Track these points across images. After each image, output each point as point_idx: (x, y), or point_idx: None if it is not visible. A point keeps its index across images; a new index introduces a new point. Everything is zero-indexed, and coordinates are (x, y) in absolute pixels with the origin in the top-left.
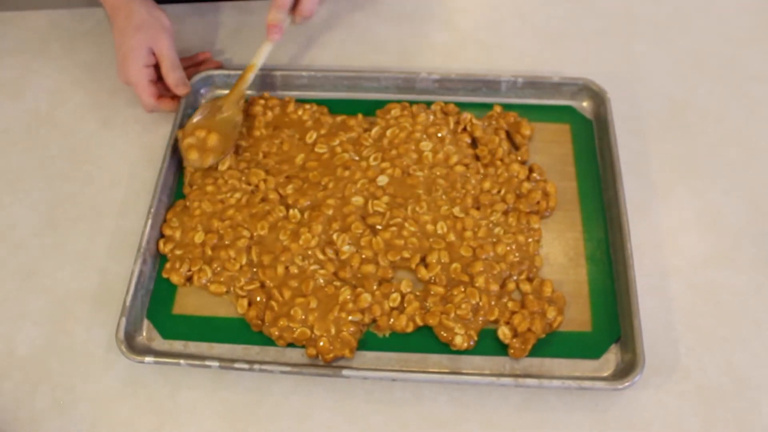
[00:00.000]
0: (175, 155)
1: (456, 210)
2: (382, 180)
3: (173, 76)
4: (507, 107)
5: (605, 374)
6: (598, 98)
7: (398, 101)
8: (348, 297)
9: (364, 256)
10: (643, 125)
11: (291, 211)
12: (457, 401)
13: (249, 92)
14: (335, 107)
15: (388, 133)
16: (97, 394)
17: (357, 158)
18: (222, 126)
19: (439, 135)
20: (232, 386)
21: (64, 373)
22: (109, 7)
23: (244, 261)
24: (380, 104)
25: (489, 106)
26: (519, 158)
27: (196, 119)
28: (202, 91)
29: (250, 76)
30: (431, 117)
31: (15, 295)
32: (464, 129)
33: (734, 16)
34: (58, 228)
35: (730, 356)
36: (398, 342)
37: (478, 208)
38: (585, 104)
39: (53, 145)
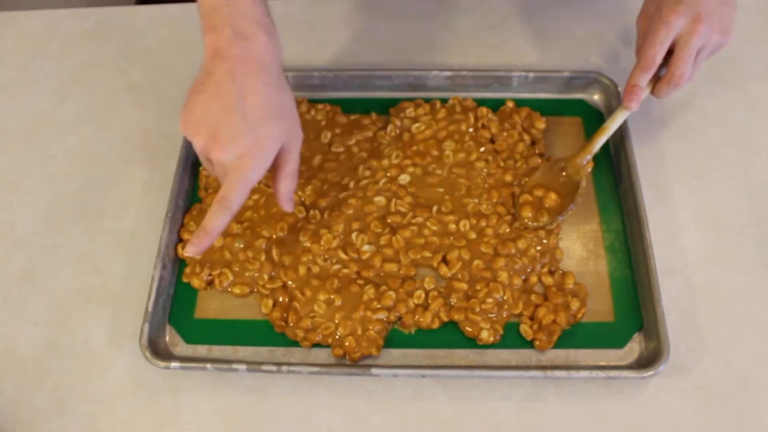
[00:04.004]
0: (190, 159)
1: (483, 207)
2: (404, 179)
3: (290, 185)
4: (519, 102)
5: (630, 363)
6: (609, 91)
7: (411, 99)
8: (372, 295)
9: (385, 255)
10: (642, 125)
11: (311, 212)
12: (457, 399)
13: None
14: (348, 106)
15: (414, 128)
16: (98, 394)
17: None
18: (562, 187)
19: (461, 131)
20: (232, 387)
21: (64, 373)
22: (221, 40)
23: (263, 258)
24: (393, 102)
25: (501, 102)
26: (537, 152)
27: (536, 176)
28: None
29: (601, 140)
30: (453, 114)
31: (15, 295)
32: (483, 125)
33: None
34: (58, 228)
35: (730, 356)
36: (424, 338)
37: (501, 203)
38: (596, 97)
39: (53, 145)
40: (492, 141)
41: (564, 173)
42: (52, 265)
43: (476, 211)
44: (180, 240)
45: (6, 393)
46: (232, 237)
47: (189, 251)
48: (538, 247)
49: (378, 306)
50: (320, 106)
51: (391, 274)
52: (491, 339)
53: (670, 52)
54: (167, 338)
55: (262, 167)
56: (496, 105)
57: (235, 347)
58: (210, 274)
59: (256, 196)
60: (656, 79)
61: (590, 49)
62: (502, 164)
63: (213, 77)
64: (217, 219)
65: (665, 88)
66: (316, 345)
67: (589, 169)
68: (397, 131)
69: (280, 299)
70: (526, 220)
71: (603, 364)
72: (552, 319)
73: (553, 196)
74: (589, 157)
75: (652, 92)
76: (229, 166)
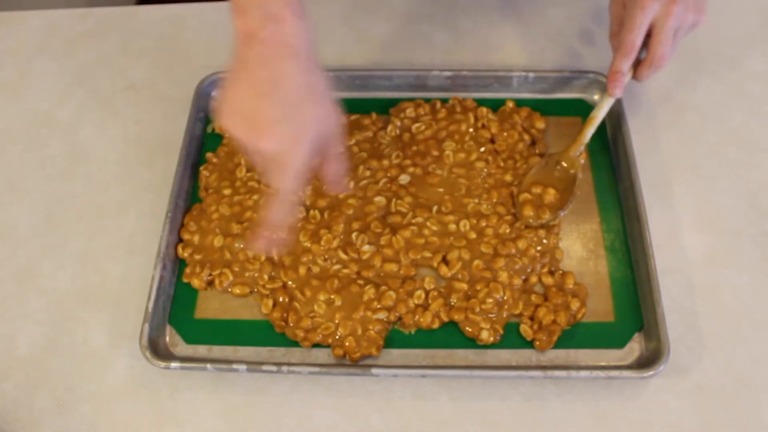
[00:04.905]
0: (190, 159)
1: (484, 207)
2: (404, 179)
3: (338, 169)
4: (519, 102)
5: (630, 363)
6: None
7: (411, 99)
8: (372, 296)
9: (385, 255)
10: (642, 125)
11: (311, 212)
12: (457, 400)
13: None
14: (348, 106)
15: (414, 128)
16: (98, 394)
17: (371, 169)
18: (559, 181)
19: (461, 131)
20: (232, 386)
21: (64, 373)
22: (248, 23)
23: (263, 258)
24: (393, 102)
25: (501, 102)
26: (537, 152)
27: (532, 173)
28: (214, 93)
29: (590, 130)
30: (453, 114)
31: (15, 295)
32: (483, 125)
33: (734, 16)
34: (58, 228)
35: (730, 356)
36: (424, 339)
37: (501, 203)
38: (596, 97)
39: (53, 145)
40: (492, 141)
41: (559, 167)
42: (52, 265)
43: (476, 211)
44: (180, 240)
45: (6, 393)
46: (232, 237)
47: (257, 248)
48: (538, 247)
49: (378, 306)
50: None
51: (391, 274)
52: (491, 339)
53: (647, 36)
54: (167, 338)
55: (305, 154)
56: (496, 105)
57: (235, 347)
58: (210, 274)
59: (256, 196)
60: (636, 64)
61: (590, 49)
62: (502, 164)
63: (244, 64)
64: (279, 212)
65: (647, 71)
66: (316, 345)
67: (583, 161)
68: (397, 131)
69: (280, 299)
70: (528, 219)
71: (603, 364)
72: (552, 319)
73: (551, 191)
74: (581, 148)
75: (633, 77)
76: (272, 156)
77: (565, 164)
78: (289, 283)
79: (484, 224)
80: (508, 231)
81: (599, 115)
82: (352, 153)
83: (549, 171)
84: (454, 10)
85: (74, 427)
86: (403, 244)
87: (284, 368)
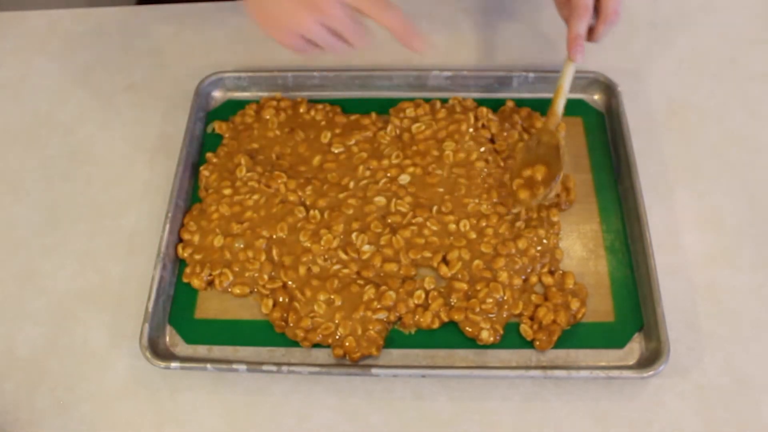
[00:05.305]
0: (190, 159)
1: (484, 207)
2: (404, 179)
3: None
4: (519, 102)
5: (630, 363)
6: (609, 90)
7: (411, 99)
8: (372, 296)
9: (385, 255)
10: (642, 125)
11: (311, 212)
12: (457, 400)
13: (260, 94)
14: (348, 107)
15: (414, 128)
16: (98, 394)
17: (371, 168)
18: (545, 156)
19: (461, 131)
20: (232, 386)
21: (64, 373)
22: None
23: (263, 258)
24: (393, 102)
25: (501, 102)
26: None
27: (519, 159)
28: (214, 93)
29: (561, 101)
30: (453, 114)
31: (15, 295)
32: (483, 125)
33: (734, 16)
34: (58, 228)
35: (730, 356)
36: (424, 339)
37: (501, 203)
38: (596, 97)
39: (53, 145)
40: (492, 141)
41: (541, 144)
42: (52, 265)
43: (476, 211)
44: (180, 240)
45: (6, 393)
46: (232, 237)
47: (417, 46)
48: (538, 247)
49: (378, 306)
50: (320, 106)
51: (391, 274)
52: (491, 339)
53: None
54: (167, 338)
55: None
56: (496, 105)
57: (235, 347)
58: (210, 274)
59: (256, 196)
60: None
61: (590, 49)
62: (502, 164)
63: None
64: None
65: (603, 28)
66: (316, 345)
67: (563, 132)
68: (397, 131)
69: (280, 299)
70: (526, 202)
71: (603, 364)
72: (552, 319)
73: (541, 168)
74: (557, 120)
75: (589, 39)
76: None
77: (545, 139)
78: (289, 283)
79: (484, 224)
80: (508, 231)
81: (565, 83)
82: (352, 153)
83: (533, 151)
84: (454, 10)
85: (74, 427)
86: (403, 244)
87: (284, 368)
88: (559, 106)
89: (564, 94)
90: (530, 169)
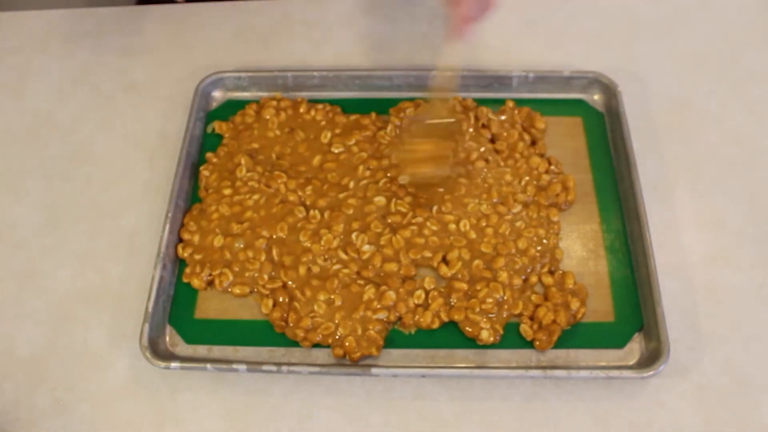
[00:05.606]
0: (190, 159)
1: (484, 207)
2: (404, 179)
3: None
4: (519, 102)
5: (630, 363)
6: (609, 91)
7: (411, 99)
8: (372, 295)
9: (385, 255)
10: (642, 125)
11: (311, 212)
12: (457, 400)
13: (260, 94)
14: (348, 107)
15: None
16: (98, 394)
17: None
18: (436, 133)
19: (461, 130)
20: (232, 386)
21: (64, 373)
22: None
23: (263, 258)
24: (393, 102)
25: (501, 102)
26: (537, 152)
27: (411, 133)
28: (214, 93)
29: (442, 79)
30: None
31: (15, 295)
32: (483, 125)
33: (734, 16)
34: (58, 228)
35: (730, 356)
36: (424, 339)
37: (501, 203)
38: (596, 97)
39: (53, 145)
40: (492, 141)
41: (433, 123)
42: (52, 265)
43: (476, 211)
44: (180, 240)
45: (6, 393)
46: (232, 237)
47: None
48: (538, 247)
49: (378, 306)
50: (320, 106)
51: (391, 274)
52: (491, 339)
53: None
54: (167, 338)
55: None
56: (496, 105)
57: (235, 347)
58: (210, 274)
59: (256, 196)
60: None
61: (590, 49)
62: (502, 164)
63: None
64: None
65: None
66: (316, 345)
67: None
68: (397, 131)
69: (280, 299)
70: (404, 179)
71: (603, 364)
72: (552, 319)
73: (431, 145)
74: (448, 98)
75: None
76: None
77: (438, 117)
78: (289, 283)
79: (484, 224)
80: (508, 231)
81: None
82: (352, 153)
83: (425, 128)
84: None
85: (74, 427)
86: (403, 244)
87: (284, 368)
88: (441, 81)
89: (446, 72)
90: (425, 144)
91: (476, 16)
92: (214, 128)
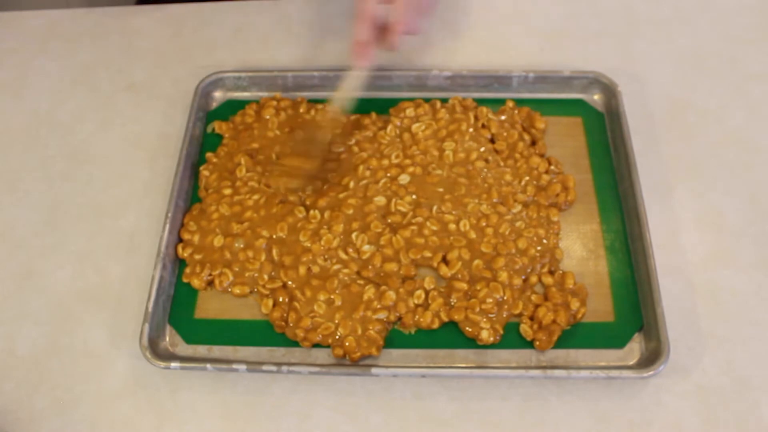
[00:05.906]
0: (190, 159)
1: (483, 207)
2: (404, 178)
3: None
4: (519, 102)
5: (630, 363)
6: (609, 91)
7: (411, 99)
8: (372, 295)
9: (385, 255)
10: (642, 125)
11: (311, 212)
12: (457, 400)
13: (260, 94)
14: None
15: (414, 128)
16: (97, 394)
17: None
18: (311, 150)
19: (461, 130)
20: (232, 386)
21: (64, 373)
22: None
23: (263, 258)
24: (392, 102)
25: (501, 102)
26: (537, 152)
27: (290, 146)
28: (214, 93)
29: (339, 99)
30: (453, 114)
31: (15, 295)
32: (483, 125)
33: (734, 16)
34: (58, 228)
35: (730, 356)
36: (424, 338)
37: (501, 203)
38: (596, 97)
39: (53, 145)
40: (492, 141)
41: (310, 138)
42: (52, 265)
43: (476, 210)
44: (180, 240)
45: (6, 393)
46: (232, 237)
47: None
48: (538, 247)
49: (378, 306)
50: (320, 106)
51: (391, 273)
52: (491, 339)
53: None
54: (167, 338)
55: None
56: (496, 105)
57: (235, 347)
58: (210, 274)
59: (256, 196)
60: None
61: (590, 49)
62: (502, 164)
63: None
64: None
65: (391, 38)
66: (316, 345)
67: (338, 130)
68: (397, 131)
69: (280, 299)
70: (282, 185)
71: (603, 364)
72: (552, 319)
73: (304, 161)
74: (330, 116)
75: (386, 47)
76: None
77: (316, 134)
78: (289, 283)
79: (484, 224)
80: (508, 231)
81: (346, 84)
82: (352, 153)
83: (303, 142)
84: (454, 10)
85: (74, 427)
86: (403, 243)
87: (284, 368)
88: (337, 102)
89: (345, 94)
90: (296, 160)
91: (415, 26)
92: (214, 128)
